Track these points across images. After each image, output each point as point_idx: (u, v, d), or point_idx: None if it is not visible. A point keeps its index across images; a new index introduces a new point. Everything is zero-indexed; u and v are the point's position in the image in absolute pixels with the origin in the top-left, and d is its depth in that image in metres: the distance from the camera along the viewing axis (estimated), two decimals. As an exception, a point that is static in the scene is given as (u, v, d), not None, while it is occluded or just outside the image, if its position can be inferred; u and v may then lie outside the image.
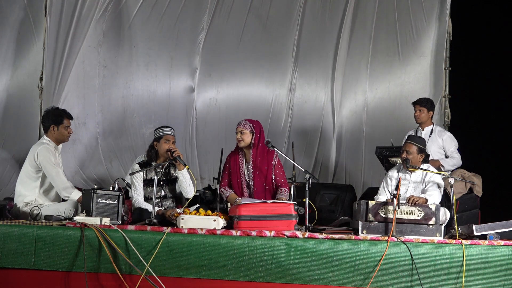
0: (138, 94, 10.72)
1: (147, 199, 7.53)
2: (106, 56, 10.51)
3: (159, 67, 10.81)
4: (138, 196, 7.54)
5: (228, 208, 7.58)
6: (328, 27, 10.97)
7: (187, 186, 7.62)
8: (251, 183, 7.92)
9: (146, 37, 10.69)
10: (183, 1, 10.69)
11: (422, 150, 7.80)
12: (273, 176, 7.97)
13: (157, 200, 7.46)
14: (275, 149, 7.83)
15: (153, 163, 7.59)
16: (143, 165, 7.60)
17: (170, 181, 7.69)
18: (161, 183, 7.61)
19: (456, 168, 8.98)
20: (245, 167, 7.99)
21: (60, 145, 7.71)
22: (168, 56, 10.81)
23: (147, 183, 7.57)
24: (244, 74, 11.05)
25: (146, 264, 6.39)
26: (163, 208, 7.52)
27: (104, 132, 10.41)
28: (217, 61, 10.95)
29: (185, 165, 7.51)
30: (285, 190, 7.87)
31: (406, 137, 8.41)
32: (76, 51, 10.13)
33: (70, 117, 7.66)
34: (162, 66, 10.82)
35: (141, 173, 7.53)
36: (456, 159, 8.98)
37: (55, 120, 7.57)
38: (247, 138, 7.93)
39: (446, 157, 9.06)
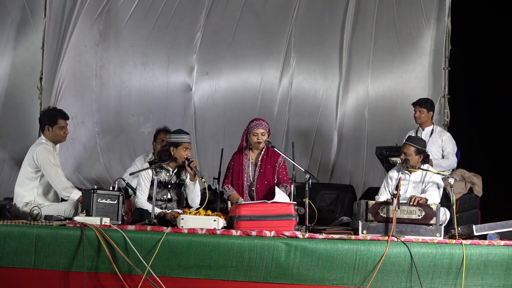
0: (136, 94, 10.74)
1: (151, 199, 7.48)
2: (103, 56, 10.52)
3: (156, 66, 10.83)
4: (141, 196, 7.46)
5: (228, 208, 7.57)
6: (328, 25, 10.97)
7: (195, 197, 7.58)
8: (255, 183, 7.90)
9: (142, 36, 10.71)
10: (179, 0, 10.68)
11: (421, 151, 7.78)
12: (276, 175, 7.95)
13: (161, 203, 7.45)
14: (275, 149, 7.82)
15: (164, 166, 7.50)
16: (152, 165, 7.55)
17: (178, 185, 7.65)
18: (169, 186, 7.57)
19: (456, 168, 8.99)
20: (250, 168, 7.96)
21: (58, 145, 7.69)
22: (165, 55, 10.82)
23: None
24: (242, 71, 11.07)
25: (146, 265, 6.38)
26: (166, 210, 7.47)
27: (102, 132, 10.41)
28: (214, 59, 10.97)
29: (201, 177, 7.44)
30: (285, 185, 7.85)
31: (406, 138, 8.42)
32: (73, 51, 10.14)
33: (65, 117, 7.61)
34: (159, 65, 10.85)
35: (150, 173, 7.47)
36: (450, 161, 8.97)
37: (50, 120, 7.54)
38: (266, 138, 7.92)
39: (443, 157, 9.07)
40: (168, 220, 7.07)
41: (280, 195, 7.26)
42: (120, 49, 10.62)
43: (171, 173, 7.56)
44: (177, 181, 7.62)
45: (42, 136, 7.62)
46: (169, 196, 7.58)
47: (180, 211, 7.26)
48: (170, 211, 7.36)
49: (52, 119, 7.53)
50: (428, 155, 7.99)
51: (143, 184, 7.47)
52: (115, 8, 10.46)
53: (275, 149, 7.84)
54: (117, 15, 10.50)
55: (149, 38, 10.73)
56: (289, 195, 7.63)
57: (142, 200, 7.44)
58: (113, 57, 10.59)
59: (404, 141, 8.39)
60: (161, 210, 7.36)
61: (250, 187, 7.93)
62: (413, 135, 8.94)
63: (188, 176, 7.57)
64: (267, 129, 7.94)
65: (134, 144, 10.41)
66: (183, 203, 7.72)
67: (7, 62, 10.00)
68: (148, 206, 7.35)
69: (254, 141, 7.90)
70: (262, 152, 7.97)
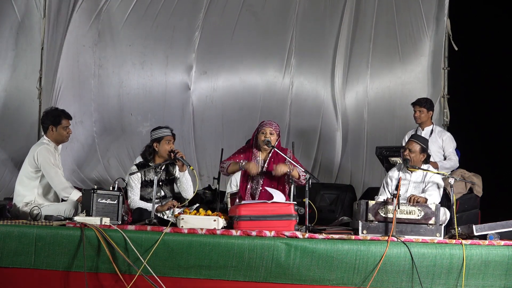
0: (134, 93, 10.76)
1: (146, 200, 7.49)
2: (101, 55, 10.54)
3: (154, 65, 10.84)
4: (134, 197, 7.51)
5: (228, 208, 7.53)
6: (328, 26, 10.97)
7: (188, 187, 7.60)
8: (260, 183, 7.83)
9: (141, 36, 10.72)
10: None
11: (425, 150, 7.77)
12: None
13: (156, 201, 7.43)
14: (275, 149, 7.79)
15: (151, 164, 7.53)
16: (141, 167, 7.56)
17: (169, 181, 7.67)
18: (160, 183, 7.57)
19: (456, 168, 8.99)
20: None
21: (60, 146, 7.70)
22: (163, 55, 10.84)
23: (146, 184, 7.54)
24: (240, 71, 11.07)
25: (143, 261, 6.36)
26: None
27: (101, 131, 10.42)
28: (213, 58, 10.98)
29: (189, 166, 7.45)
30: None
31: (408, 136, 8.39)
32: (72, 51, 10.14)
33: (68, 117, 7.64)
34: (158, 64, 10.86)
35: (139, 174, 7.50)
36: (453, 161, 8.98)
37: (53, 120, 7.55)
38: (273, 140, 7.83)
39: (445, 157, 9.06)
40: (168, 220, 7.06)
41: (278, 195, 7.23)
42: (118, 48, 10.63)
43: (160, 170, 7.56)
44: (166, 177, 7.63)
45: (44, 136, 7.62)
46: (162, 194, 7.61)
47: (179, 210, 7.25)
48: (168, 201, 7.40)
49: (56, 119, 7.55)
50: (430, 156, 7.97)
51: (133, 185, 7.52)
52: (113, 8, 10.47)
53: (275, 149, 7.80)
54: (115, 14, 10.51)
55: (147, 37, 10.74)
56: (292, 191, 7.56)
57: (136, 201, 7.49)
58: (111, 56, 10.61)
59: (405, 139, 8.39)
60: (157, 205, 7.36)
61: (253, 187, 7.88)
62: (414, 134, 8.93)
63: (177, 168, 7.57)
64: (277, 131, 7.84)
65: (133, 143, 10.41)
66: (183, 201, 7.70)
67: (7, 63, 10.01)
68: (146, 206, 7.38)
69: (261, 139, 7.79)
70: (270, 155, 7.91)
